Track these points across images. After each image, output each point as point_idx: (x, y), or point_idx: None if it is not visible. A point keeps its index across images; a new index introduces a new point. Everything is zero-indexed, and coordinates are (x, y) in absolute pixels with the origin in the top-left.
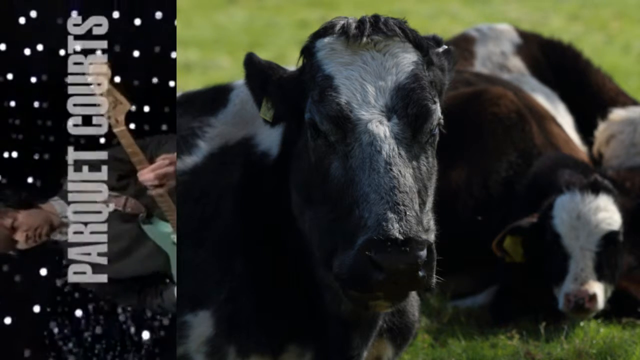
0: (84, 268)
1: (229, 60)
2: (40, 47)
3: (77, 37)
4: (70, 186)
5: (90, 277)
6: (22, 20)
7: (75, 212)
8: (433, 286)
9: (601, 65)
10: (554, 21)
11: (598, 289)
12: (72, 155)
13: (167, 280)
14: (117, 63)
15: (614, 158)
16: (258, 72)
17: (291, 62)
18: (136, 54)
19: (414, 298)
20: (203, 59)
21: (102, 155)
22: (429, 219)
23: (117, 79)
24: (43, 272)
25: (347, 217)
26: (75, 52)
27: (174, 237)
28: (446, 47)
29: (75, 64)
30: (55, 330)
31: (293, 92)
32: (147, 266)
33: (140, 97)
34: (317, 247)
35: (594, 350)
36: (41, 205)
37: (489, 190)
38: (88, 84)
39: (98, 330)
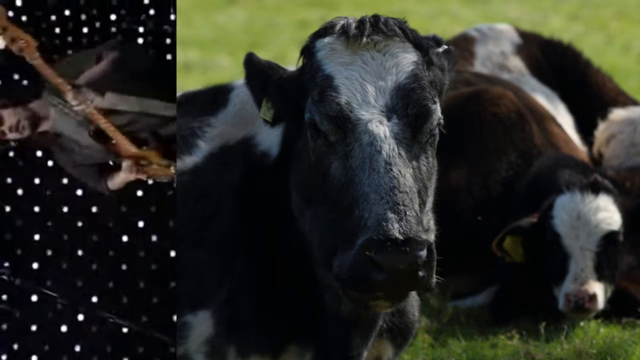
0: None
1: (229, 60)
2: None
3: None
4: None
5: None
6: None
7: None
8: (433, 286)
9: (601, 65)
10: (554, 21)
11: (598, 289)
12: None
13: None
14: None
15: (614, 158)
16: (258, 72)
17: (291, 62)
18: None
19: (414, 298)
20: (203, 59)
21: None
22: (429, 219)
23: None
24: None
25: (347, 217)
26: None
27: None
28: (446, 47)
29: None
30: None
31: (293, 92)
32: None
33: None
34: (317, 247)
35: (594, 350)
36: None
37: (489, 190)
38: None
39: None
